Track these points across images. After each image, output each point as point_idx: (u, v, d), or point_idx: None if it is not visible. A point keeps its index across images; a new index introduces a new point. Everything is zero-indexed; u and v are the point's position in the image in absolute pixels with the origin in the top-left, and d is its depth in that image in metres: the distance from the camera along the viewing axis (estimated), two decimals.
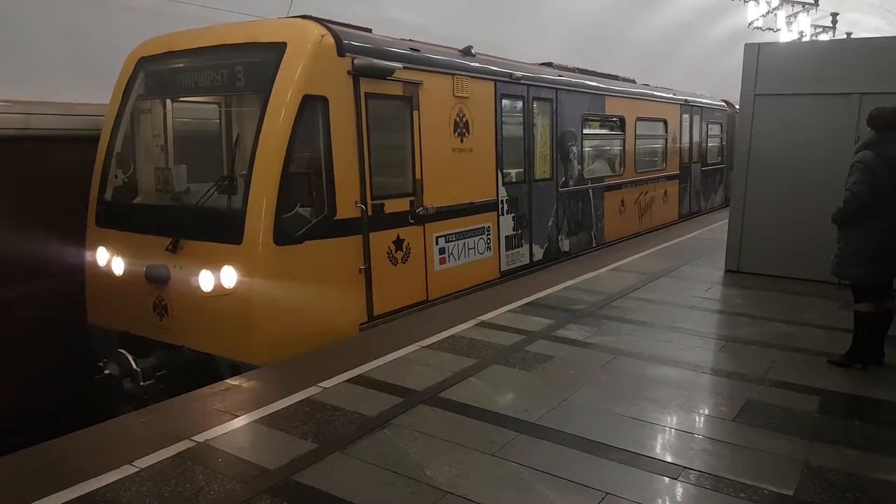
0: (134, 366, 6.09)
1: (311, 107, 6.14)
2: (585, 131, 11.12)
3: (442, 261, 7.91)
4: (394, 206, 7.12)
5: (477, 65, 8.45)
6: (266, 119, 5.98)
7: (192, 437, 4.38)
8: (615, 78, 12.78)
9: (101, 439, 4.51)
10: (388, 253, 7.03)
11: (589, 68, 12.14)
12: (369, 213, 6.73)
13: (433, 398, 5.04)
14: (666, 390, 5.20)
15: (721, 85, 20.29)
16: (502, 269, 9.14)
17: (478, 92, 8.40)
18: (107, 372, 6.26)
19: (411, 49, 7.45)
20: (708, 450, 4.24)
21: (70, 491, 3.77)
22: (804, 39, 21.06)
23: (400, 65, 6.94)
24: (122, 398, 6.20)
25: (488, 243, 8.81)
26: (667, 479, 3.88)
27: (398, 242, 7.17)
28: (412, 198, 7.39)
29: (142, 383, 6.08)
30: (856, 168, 5.38)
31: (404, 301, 7.32)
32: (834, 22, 24.41)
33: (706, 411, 4.86)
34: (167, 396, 5.34)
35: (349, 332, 6.60)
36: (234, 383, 5.43)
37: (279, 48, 6.14)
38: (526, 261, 9.67)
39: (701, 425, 4.65)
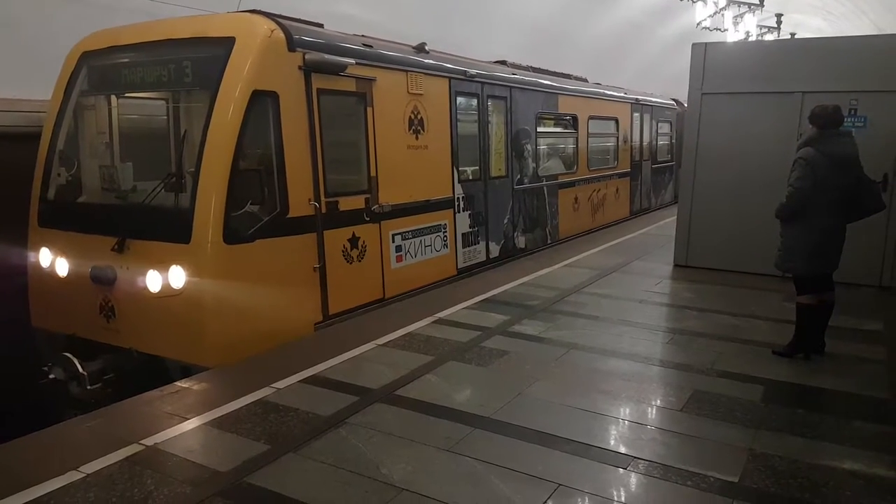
0: (80, 369, 5.92)
1: (261, 102, 6.02)
2: (539, 129, 11.20)
3: (399, 259, 7.87)
4: (349, 203, 7.05)
5: (431, 62, 8.43)
6: (214, 115, 5.84)
7: (141, 441, 4.29)
8: (568, 77, 12.91)
9: (45, 445, 4.37)
10: (343, 251, 6.96)
11: (542, 67, 12.22)
12: (323, 210, 6.64)
13: (389, 396, 5.04)
14: (617, 382, 5.29)
15: (671, 84, 20.68)
16: (459, 267, 9.15)
17: (432, 89, 8.37)
18: (52, 376, 6.06)
19: (364, 45, 7.38)
20: (657, 439, 4.34)
21: (13, 498, 3.66)
22: (750, 39, 21.63)
23: (352, 60, 6.88)
24: (69, 403, 6.01)
25: (445, 241, 8.80)
26: (619, 470, 3.96)
27: (353, 240, 7.11)
28: (367, 195, 7.33)
29: (88, 387, 5.91)
30: (798, 164, 5.54)
31: (361, 300, 7.26)
32: (778, 23, 25.15)
33: (655, 402, 4.97)
34: (116, 400, 5.18)
35: (304, 332, 6.51)
36: (185, 385, 5.32)
37: (227, 43, 6.01)
38: (483, 258, 9.70)
39: (650, 416, 4.75)
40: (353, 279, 7.10)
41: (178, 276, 5.77)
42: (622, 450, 4.20)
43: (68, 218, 6.70)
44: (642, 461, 4.03)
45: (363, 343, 6.23)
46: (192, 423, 4.59)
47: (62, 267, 6.55)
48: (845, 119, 5.89)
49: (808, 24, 27.38)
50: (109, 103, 7.02)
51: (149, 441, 4.30)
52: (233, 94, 5.84)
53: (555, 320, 6.98)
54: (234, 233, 5.83)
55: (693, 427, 4.50)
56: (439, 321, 6.96)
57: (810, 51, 8.79)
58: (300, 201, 6.39)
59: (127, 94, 7.08)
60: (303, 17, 6.96)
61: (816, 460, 4.07)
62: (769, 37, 25.12)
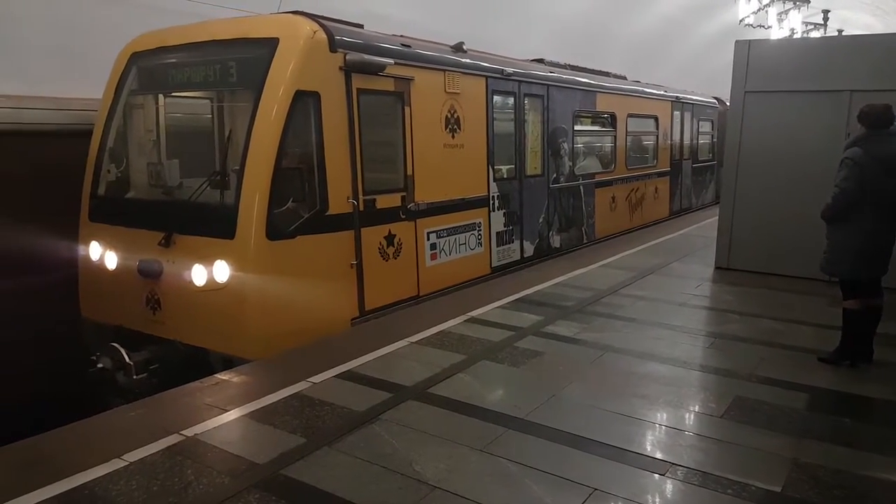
0: (127, 359, 6.08)
1: (304, 102, 6.12)
2: (576, 128, 11.09)
3: (433, 256, 7.91)
4: (385, 201, 7.12)
5: (468, 61, 8.43)
6: (258, 114, 5.97)
7: (182, 432, 4.37)
8: (606, 74, 12.75)
9: (89, 433, 4.49)
10: (379, 248, 7.03)
11: (579, 65, 12.09)
12: (361, 208, 6.72)
13: (422, 393, 5.04)
14: (655, 387, 5.20)
15: (711, 82, 20.33)
16: (493, 265, 9.14)
17: (469, 88, 8.39)
18: (100, 366, 6.24)
19: (403, 45, 7.42)
20: (696, 446, 4.24)
21: (59, 484, 3.76)
22: (795, 37, 21.13)
23: (391, 61, 6.93)
24: (116, 392, 6.18)
25: (479, 239, 8.81)
26: (655, 476, 3.88)
27: (389, 238, 7.17)
28: (404, 193, 7.39)
29: (135, 377, 6.07)
30: (844, 164, 5.38)
31: (395, 296, 7.32)
32: (825, 19, 24.49)
33: (695, 408, 4.86)
34: (160, 390, 5.33)
35: (340, 328, 6.59)
36: (224, 378, 5.41)
37: (271, 44, 6.12)
38: (517, 257, 9.67)
39: (689, 422, 4.64)
40: (388, 276, 7.16)
41: (222, 271, 5.91)
42: (659, 455, 4.11)
43: (117, 213, 6.90)
44: (680, 468, 3.95)
45: (397, 340, 6.24)
46: (231, 415, 4.66)
47: (111, 260, 6.75)
48: None
49: (857, 20, 26.63)
50: (157, 102, 7.21)
51: (189, 431, 4.38)
52: (276, 95, 5.95)
53: (590, 322, 6.91)
54: (276, 229, 5.95)
55: (734, 434, 4.39)
56: (472, 320, 6.94)
57: (859, 48, 8.51)
58: (339, 199, 6.49)
59: (174, 94, 7.27)
60: (342, 18, 7.03)
61: (862, 471, 3.94)
62: (815, 34, 24.49)
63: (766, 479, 3.81)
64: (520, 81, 9.43)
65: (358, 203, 6.68)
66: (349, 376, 5.40)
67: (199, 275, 6.03)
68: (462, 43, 8.46)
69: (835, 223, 5.51)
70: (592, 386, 5.22)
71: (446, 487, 3.73)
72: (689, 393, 5.12)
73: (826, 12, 23.99)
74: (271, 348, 5.89)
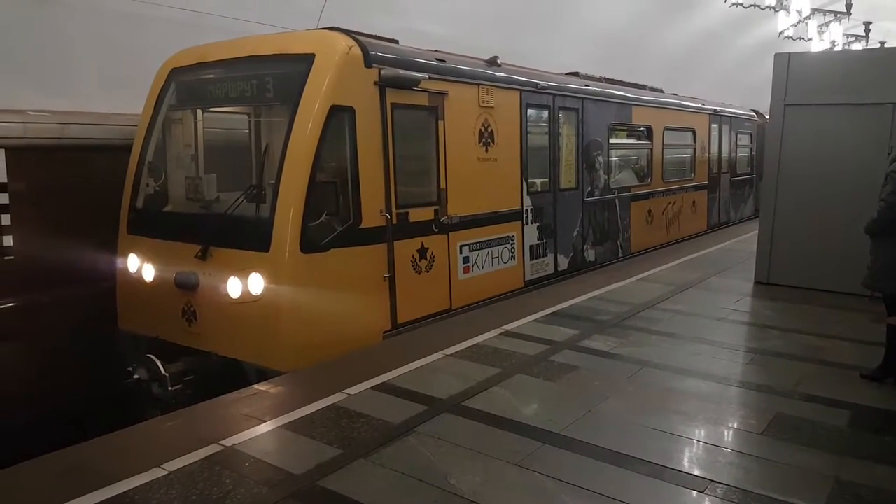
0: (162, 371, 6.20)
1: (339, 117, 6.23)
2: (612, 141, 11.06)
3: (466, 270, 7.93)
4: (418, 214, 7.17)
5: (502, 75, 8.49)
6: (294, 129, 6.08)
7: (220, 442, 4.44)
8: (642, 87, 12.72)
9: (130, 442, 4.60)
10: (412, 261, 7.07)
11: (615, 78, 12.08)
12: (394, 221, 6.78)
13: (457, 407, 5.05)
14: (693, 403, 5.14)
15: (750, 95, 20.08)
16: (526, 279, 9.11)
17: (503, 102, 8.43)
18: (136, 377, 6.37)
19: (437, 60, 7.51)
20: (736, 463, 4.19)
21: (101, 492, 3.85)
22: (836, 49, 20.78)
23: (426, 75, 7.01)
24: (151, 403, 6.30)
25: (512, 253, 8.80)
26: (694, 493, 3.85)
27: (422, 251, 7.21)
28: (436, 207, 7.44)
29: (170, 388, 6.18)
30: (891, 178, 5.31)
31: (428, 310, 7.34)
32: (867, 31, 24.06)
33: (734, 424, 4.80)
34: (195, 402, 5.42)
35: (373, 340, 6.64)
36: (261, 388, 5.49)
37: (308, 59, 6.24)
38: (550, 270, 9.63)
39: (729, 438, 4.59)
40: (420, 289, 7.19)
41: (257, 283, 6.00)
42: (698, 473, 4.07)
43: (155, 226, 7.06)
44: (720, 485, 3.90)
45: (431, 353, 6.26)
46: (268, 426, 4.73)
47: (148, 272, 6.90)
48: None
49: None
50: (195, 117, 7.38)
51: (227, 442, 4.45)
52: (312, 109, 6.06)
53: (627, 336, 6.85)
54: (310, 242, 6.03)
55: (774, 452, 4.33)
56: (507, 333, 6.94)
57: None
58: (372, 212, 6.55)
59: (212, 109, 7.44)
60: (381, 34, 7.14)
61: None
62: (857, 46, 24.05)
63: (808, 497, 3.77)
64: (554, 95, 9.45)
65: (391, 216, 6.74)
66: (385, 388, 5.43)
67: (234, 287, 6.13)
68: (496, 57, 8.52)
69: (880, 238, 5.40)
70: (630, 401, 5.18)
71: (482, 501, 3.74)
72: (728, 409, 5.06)
73: (868, 24, 23.56)
74: (304, 360, 5.95)
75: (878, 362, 5.65)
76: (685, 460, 4.26)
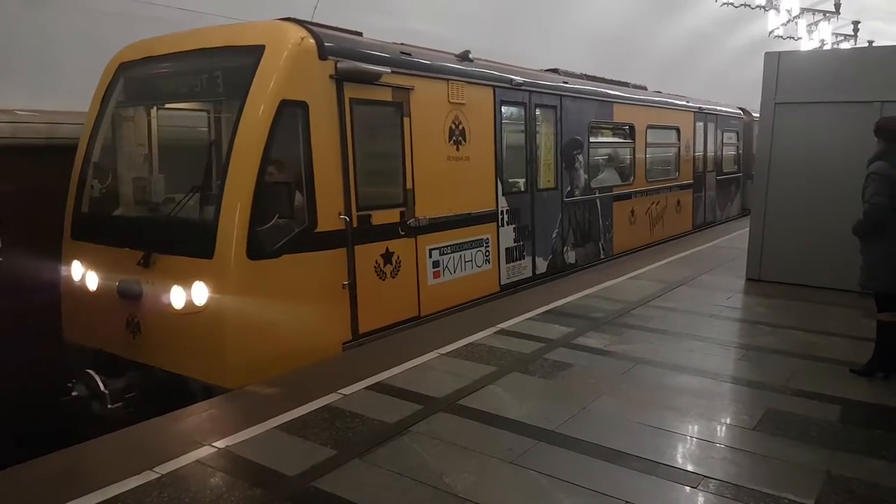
0: (102, 388, 5.76)
1: (290, 113, 5.83)
2: (592, 139, 10.76)
3: (436, 274, 7.52)
4: (382, 217, 6.75)
5: (474, 70, 8.11)
6: (241, 126, 5.68)
7: (214, 443, 4.43)
8: (625, 85, 12.45)
9: (121, 445, 4.55)
10: (375, 267, 6.66)
11: (604, 76, 11.92)
12: (354, 224, 6.37)
13: (452, 405, 5.06)
14: (686, 399, 5.16)
15: (742, 93, 20.14)
16: (502, 283, 8.75)
17: (475, 98, 8.06)
18: (74, 394, 5.88)
19: (402, 53, 7.12)
20: (728, 459, 4.20)
21: (91, 496, 3.81)
22: (825, 48, 20.84)
23: (388, 69, 6.63)
24: (93, 420, 5.79)
25: (487, 256, 8.42)
26: (687, 489, 3.86)
27: (387, 256, 6.80)
28: (403, 208, 7.03)
29: (109, 406, 5.75)
30: (871, 179, 5.37)
31: (394, 318, 6.93)
32: (855, 30, 24.21)
33: (727, 420, 4.83)
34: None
35: (332, 352, 6.22)
36: (254, 389, 5.43)
37: (257, 51, 5.84)
38: (528, 273, 9.28)
39: (721, 434, 4.61)
40: (385, 296, 6.80)
41: (200, 293, 5.57)
42: (691, 468, 4.08)
43: (99, 231, 6.65)
44: (713, 480, 3.91)
45: (427, 351, 6.24)
46: (261, 427, 4.70)
47: (92, 280, 6.46)
48: None
49: (888, 31, 26.24)
50: (144, 114, 6.98)
51: (220, 443, 4.44)
52: (260, 104, 5.67)
53: (620, 333, 6.86)
54: (258, 248, 5.62)
55: (766, 447, 4.35)
56: (502, 332, 6.93)
57: (890, 59, 8.47)
58: (329, 215, 6.14)
59: (161, 105, 7.01)
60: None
61: None
62: (845, 45, 24.16)
63: (800, 492, 3.78)
64: (530, 92, 9.09)
65: (351, 219, 6.32)
66: (379, 388, 5.42)
67: (177, 297, 5.70)
68: (468, 51, 8.18)
69: (868, 238, 5.42)
70: (623, 398, 5.19)
71: (476, 500, 3.74)
72: (720, 405, 5.09)
73: (856, 23, 23.72)
74: (252, 376, 5.52)
75: (868, 357, 5.66)
76: (678, 456, 4.28)
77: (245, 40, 6.05)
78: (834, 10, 20.06)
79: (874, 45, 24.33)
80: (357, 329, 6.47)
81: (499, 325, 7.12)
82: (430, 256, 7.43)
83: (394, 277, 6.89)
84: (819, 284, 8.64)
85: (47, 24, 7.89)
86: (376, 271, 6.68)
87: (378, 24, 8.26)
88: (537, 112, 9.35)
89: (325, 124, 6.09)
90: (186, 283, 5.62)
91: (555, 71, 10.58)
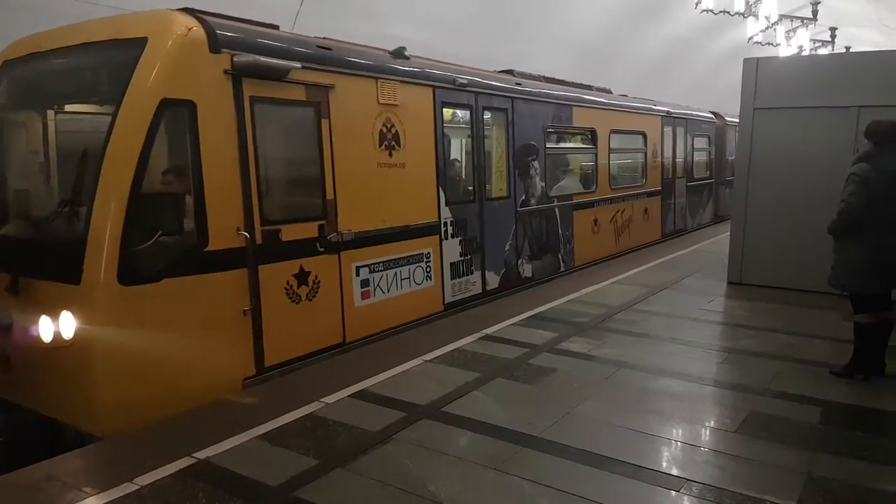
0: None
1: (173, 113, 5.16)
2: (549, 145, 10.17)
3: (365, 295, 6.79)
4: (295, 231, 6.01)
5: (409, 69, 7.42)
6: (115, 130, 4.97)
7: (194, 454, 4.38)
8: (588, 88, 11.92)
9: (100, 457, 4.48)
10: (286, 289, 5.91)
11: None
12: (258, 241, 5.64)
13: (436, 412, 5.08)
14: (669, 402, 5.21)
15: (723, 99, 20.30)
16: (447, 301, 8.06)
17: (411, 99, 7.37)
18: None
19: (319, 47, 6.42)
20: (711, 462, 4.27)
21: None
22: (803, 54, 21.09)
23: (298, 64, 5.93)
24: None
25: (429, 272, 7.70)
26: (671, 493, 3.91)
27: (302, 276, 6.05)
28: (322, 221, 6.28)
29: None
30: (851, 180, 5.43)
31: (311, 346, 6.19)
32: (833, 36, 24.49)
33: (709, 423, 4.91)
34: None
35: (229, 390, 5.45)
36: (235, 399, 5.35)
37: (139, 44, 5.15)
38: (478, 290, 8.59)
39: (704, 437, 4.69)
40: (300, 322, 6.05)
41: (68, 324, 4.82)
42: (674, 472, 4.14)
43: None
44: (696, 484, 3.95)
45: (411, 358, 6.21)
46: (243, 437, 4.65)
47: None
48: None
49: (864, 37, 26.55)
50: (28, 117, 6.25)
51: (201, 454, 4.39)
52: (136, 105, 4.99)
53: (604, 338, 6.90)
54: (133, 271, 4.86)
55: (748, 449, 4.42)
56: (487, 337, 6.96)
57: (866, 64, 8.65)
58: (225, 230, 5.40)
59: (46, 107, 6.18)
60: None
61: (876, 485, 3.98)
62: (823, 51, 24.44)
63: (781, 494, 3.85)
64: (476, 93, 8.44)
65: (253, 235, 5.59)
66: (363, 396, 5.41)
67: (45, 328, 4.96)
68: (403, 48, 7.52)
69: (842, 238, 5.49)
70: (607, 402, 5.23)
71: None
72: (703, 408, 5.18)
73: (833, 30, 23.99)
74: (128, 421, 4.74)
75: (848, 359, 5.71)
76: (661, 460, 4.33)
77: (128, 32, 5.35)
78: (812, 16, 20.28)
79: (851, 50, 24.66)
80: (262, 362, 5.72)
81: (483, 331, 7.15)
82: (358, 275, 6.70)
83: (310, 300, 6.14)
84: (799, 287, 8.74)
85: None
86: (288, 294, 5.94)
87: (364, 31, 8.17)
88: (486, 115, 8.75)
89: (218, 126, 5.38)
90: (55, 312, 4.89)
91: (509, 72, 10.03)
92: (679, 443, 4.54)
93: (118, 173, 4.88)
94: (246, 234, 5.54)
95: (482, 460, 4.27)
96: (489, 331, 7.18)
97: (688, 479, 3.99)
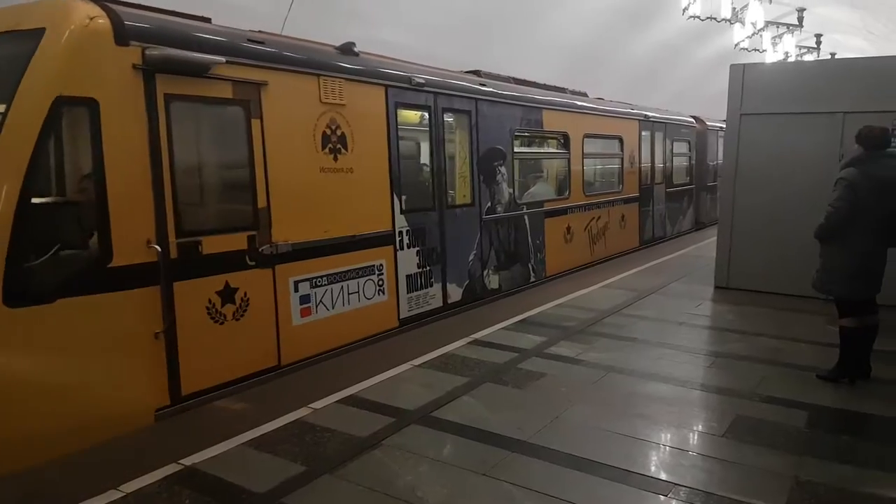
0: None
1: (71, 113, 4.65)
2: (517, 149, 9.72)
3: (304, 312, 6.19)
4: (218, 244, 5.40)
5: (356, 67, 6.86)
6: (4, 131, 4.41)
7: (180, 461, 4.33)
8: (562, 90, 11.52)
9: (86, 464, 4.39)
10: (208, 308, 5.31)
11: (531, 80, 11.09)
12: (173, 255, 5.06)
13: (425, 417, 5.06)
14: (657, 406, 5.22)
15: (710, 104, 20.43)
16: (402, 317, 7.48)
17: (360, 99, 6.83)
18: None
19: (251, 41, 5.87)
20: (698, 466, 4.29)
21: None
22: (789, 60, 21.27)
23: (222, 58, 5.37)
24: None
25: (381, 285, 7.12)
26: (659, 497, 3.92)
27: (227, 293, 5.44)
28: (252, 232, 5.69)
29: None
30: (839, 184, 5.46)
31: (239, 371, 5.57)
32: (818, 43, 24.72)
33: (697, 427, 4.93)
34: None
35: (140, 422, 4.83)
36: (222, 405, 5.30)
37: (36, 36, 4.63)
38: (438, 304, 8.04)
39: (691, 441, 4.71)
40: (225, 345, 5.45)
41: None
42: (663, 476, 4.16)
43: None
44: (683, 488, 3.96)
45: (400, 363, 6.19)
46: (229, 443, 4.60)
47: None
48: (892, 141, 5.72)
49: (849, 44, 26.82)
50: None
51: (187, 461, 4.34)
52: (27, 103, 4.47)
53: (592, 342, 6.91)
54: (22, 291, 4.28)
55: (736, 453, 4.45)
56: (476, 342, 6.96)
57: (852, 71, 8.77)
58: (132, 243, 4.83)
59: None
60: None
61: (863, 488, 4.00)
62: (809, 57, 24.68)
63: (769, 498, 3.87)
64: (435, 93, 7.90)
65: (167, 248, 5.02)
66: (351, 401, 5.39)
67: None
68: (352, 43, 6.95)
69: (828, 243, 5.52)
70: (595, 407, 5.24)
71: None
72: (690, 412, 5.20)
73: (819, 36, 24.22)
74: (15, 459, 4.12)
75: (834, 363, 5.73)
76: (649, 464, 4.35)
77: (26, 23, 4.82)
78: (797, 23, 20.47)
79: (836, 57, 24.90)
80: (178, 390, 5.11)
81: (473, 336, 7.13)
82: (297, 290, 6.11)
83: (238, 319, 5.54)
84: (785, 291, 8.79)
85: None
86: (210, 314, 5.34)
87: (350, 34, 8.06)
88: (446, 117, 8.23)
89: (125, 127, 4.83)
90: None
91: (476, 73, 9.55)
92: (667, 447, 4.58)
93: (5, 180, 4.30)
94: (157, 247, 4.95)
95: (471, 465, 4.29)
96: (478, 335, 7.20)
97: (675, 484, 4.02)
